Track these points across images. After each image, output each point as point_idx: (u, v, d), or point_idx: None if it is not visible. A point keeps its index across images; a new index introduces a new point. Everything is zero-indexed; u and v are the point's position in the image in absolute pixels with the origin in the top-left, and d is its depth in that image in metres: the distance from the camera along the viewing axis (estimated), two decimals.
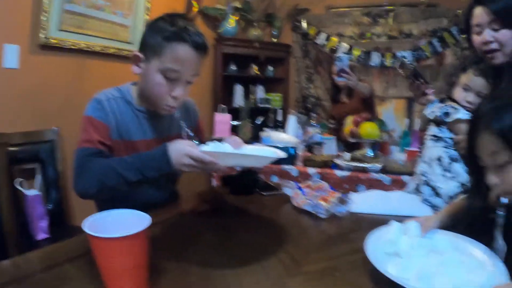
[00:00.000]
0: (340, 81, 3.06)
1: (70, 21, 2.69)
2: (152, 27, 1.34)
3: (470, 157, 1.02)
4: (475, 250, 1.01)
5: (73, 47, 2.72)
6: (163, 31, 1.28)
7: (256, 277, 0.92)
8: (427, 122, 1.88)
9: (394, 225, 1.11)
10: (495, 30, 1.48)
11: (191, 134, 1.38)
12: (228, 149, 1.28)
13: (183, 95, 1.36)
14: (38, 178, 2.30)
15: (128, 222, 0.75)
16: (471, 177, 1.09)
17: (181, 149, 1.14)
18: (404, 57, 2.00)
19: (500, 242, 0.95)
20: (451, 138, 1.73)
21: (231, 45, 4.53)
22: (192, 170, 1.16)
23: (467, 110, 1.64)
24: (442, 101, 1.78)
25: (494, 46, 1.49)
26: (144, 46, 1.33)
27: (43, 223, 2.17)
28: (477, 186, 1.06)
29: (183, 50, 1.28)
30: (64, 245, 1.10)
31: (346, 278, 0.94)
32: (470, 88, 1.68)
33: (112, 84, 2.92)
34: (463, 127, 1.62)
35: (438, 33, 4.31)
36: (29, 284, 0.86)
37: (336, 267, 0.99)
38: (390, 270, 0.92)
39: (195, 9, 3.89)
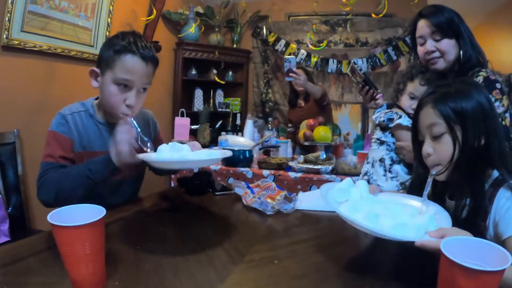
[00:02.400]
0: (290, 80, 3.19)
1: (33, 22, 2.70)
2: (106, 43, 1.45)
3: (414, 133, 1.19)
4: (417, 203, 1.15)
5: (35, 48, 2.73)
6: (114, 46, 1.39)
7: (203, 265, 1.02)
8: (374, 126, 2.00)
9: (346, 180, 1.22)
10: (437, 40, 1.64)
11: (149, 144, 1.43)
12: (181, 150, 1.37)
13: (136, 103, 1.44)
14: None
15: (86, 214, 0.84)
16: (415, 152, 1.23)
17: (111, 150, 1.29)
18: (355, 63, 2.12)
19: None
20: (394, 143, 1.86)
21: (192, 50, 4.60)
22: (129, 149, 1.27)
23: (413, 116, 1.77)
24: (389, 107, 1.91)
25: (436, 55, 1.65)
26: (100, 61, 1.43)
27: (4, 226, 2.16)
28: (419, 159, 1.20)
29: (132, 61, 1.38)
30: (27, 242, 1.16)
31: (283, 266, 1.04)
32: (416, 96, 1.79)
33: (73, 86, 2.98)
34: (403, 133, 1.76)
35: (393, 42, 4.52)
36: None
37: (276, 256, 1.09)
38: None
39: (153, 16, 3.92)
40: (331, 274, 0.99)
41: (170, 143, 1.38)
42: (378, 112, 1.91)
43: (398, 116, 1.78)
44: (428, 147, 1.11)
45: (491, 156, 1.04)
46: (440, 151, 1.08)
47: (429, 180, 1.10)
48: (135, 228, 1.33)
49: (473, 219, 1.05)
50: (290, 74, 2.94)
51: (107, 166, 1.29)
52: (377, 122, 1.90)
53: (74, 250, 0.81)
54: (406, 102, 1.84)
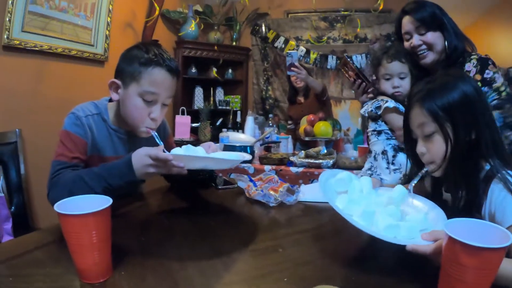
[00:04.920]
0: (291, 75, 3.20)
1: (33, 22, 2.71)
2: (127, 55, 1.40)
3: (406, 132, 1.20)
4: (414, 201, 1.15)
5: (35, 48, 2.74)
6: (139, 58, 1.35)
7: (208, 254, 1.03)
8: (366, 120, 2.02)
9: (346, 172, 1.24)
10: (422, 34, 1.70)
11: (162, 145, 1.34)
12: (196, 152, 1.31)
13: (160, 116, 1.44)
14: (1, 180, 2.31)
15: (92, 204, 0.84)
16: (409, 150, 1.24)
17: (141, 151, 1.20)
18: (347, 56, 2.14)
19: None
20: (390, 129, 1.88)
21: (192, 48, 4.61)
22: (156, 171, 1.20)
23: (397, 95, 1.81)
24: (373, 97, 1.94)
25: (423, 47, 1.72)
26: (121, 73, 1.39)
27: (7, 225, 2.16)
28: (413, 157, 1.22)
29: (159, 74, 1.36)
30: (33, 236, 1.16)
31: (288, 254, 1.05)
32: (390, 75, 1.83)
33: (74, 86, 2.98)
34: (392, 116, 1.79)
35: (391, 37, 4.50)
36: (4, 268, 0.92)
37: (280, 245, 1.11)
38: (338, 205, 1.06)
39: (157, 12, 3.95)
40: (335, 261, 1.01)
41: (183, 146, 1.34)
42: (366, 105, 1.94)
43: (384, 101, 1.80)
44: (421, 147, 1.12)
45: (483, 148, 1.05)
46: (433, 150, 1.09)
47: (419, 174, 1.13)
48: (139, 221, 1.34)
49: (469, 210, 1.06)
50: (292, 68, 2.95)
51: (129, 184, 1.23)
52: (366, 114, 1.93)
53: (80, 239, 0.81)
54: (385, 85, 1.87)
